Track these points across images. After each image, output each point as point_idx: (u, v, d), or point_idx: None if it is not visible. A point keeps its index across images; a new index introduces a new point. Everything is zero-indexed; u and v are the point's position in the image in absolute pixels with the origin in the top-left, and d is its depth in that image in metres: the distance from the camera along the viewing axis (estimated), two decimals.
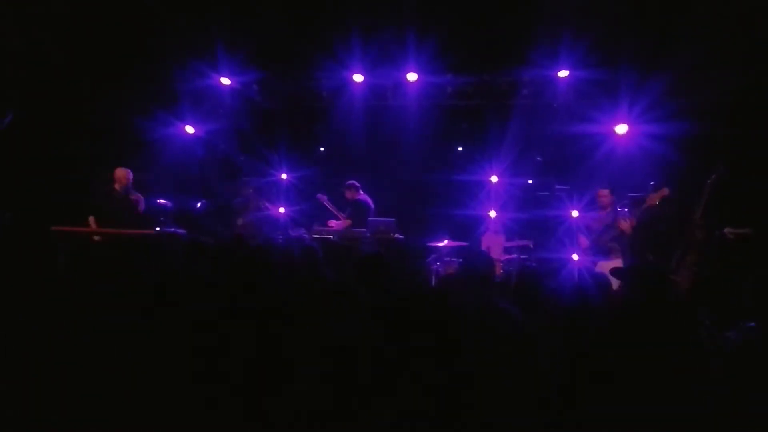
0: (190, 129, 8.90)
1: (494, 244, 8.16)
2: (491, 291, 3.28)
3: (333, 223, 7.97)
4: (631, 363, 2.45)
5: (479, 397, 2.32)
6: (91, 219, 6.68)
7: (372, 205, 8.05)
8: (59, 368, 2.48)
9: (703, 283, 5.64)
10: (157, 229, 7.09)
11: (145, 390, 2.49)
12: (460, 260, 7.70)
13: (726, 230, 5.82)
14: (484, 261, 3.57)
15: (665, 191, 6.29)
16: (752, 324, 2.62)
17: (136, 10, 6.67)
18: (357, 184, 8.08)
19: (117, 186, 6.91)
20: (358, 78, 8.51)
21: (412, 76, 8.36)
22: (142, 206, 7.07)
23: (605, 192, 6.73)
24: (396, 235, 7.50)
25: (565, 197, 7.61)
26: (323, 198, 8.23)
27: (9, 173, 6.81)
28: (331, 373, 2.48)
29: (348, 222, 7.87)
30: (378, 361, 2.46)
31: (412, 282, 7.06)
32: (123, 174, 6.92)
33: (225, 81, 8.72)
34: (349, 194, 8.06)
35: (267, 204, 8.47)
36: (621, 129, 7.62)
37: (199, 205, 8.75)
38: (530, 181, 9.28)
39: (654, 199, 6.33)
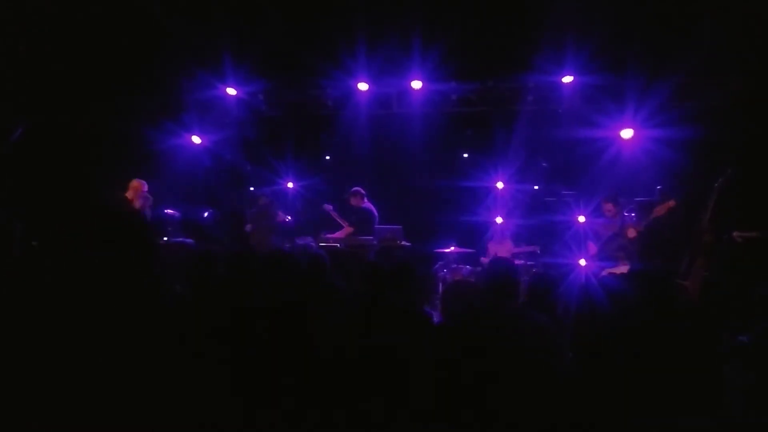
0: (196, 139, 8.95)
1: (501, 250, 8.15)
2: (516, 298, 3.29)
3: (331, 235, 7.93)
4: (644, 368, 2.44)
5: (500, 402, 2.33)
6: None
7: (376, 214, 8.04)
8: (66, 372, 2.50)
9: (712, 287, 5.61)
10: (165, 239, 7.15)
11: (149, 394, 2.51)
12: (468, 266, 7.71)
13: (734, 234, 5.79)
14: (508, 268, 3.55)
15: (671, 203, 6.27)
16: (764, 326, 2.61)
17: (143, 21, 6.73)
18: (363, 192, 8.08)
19: (129, 195, 7.10)
20: (363, 86, 8.55)
21: (416, 84, 8.39)
22: (147, 212, 7.19)
23: (609, 206, 6.72)
24: (402, 243, 7.50)
25: (571, 202, 7.60)
26: (329, 208, 8.23)
27: (18, 184, 6.86)
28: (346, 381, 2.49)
29: (350, 230, 7.87)
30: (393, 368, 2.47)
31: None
32: (137, 185, 7.14)
33: (231, 91, 8.77)
34: (354, 201, 8.05)
35: (280, 212, 8.48)
36: (627, 133, 7.62)
37: (206, 214, 8.79)
38: (536, 187, 9.27)
39: (660, 211, 6.32)
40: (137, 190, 7.15)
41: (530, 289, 3.79)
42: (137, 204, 7.12)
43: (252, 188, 9.25)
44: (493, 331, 2.74)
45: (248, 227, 8.23)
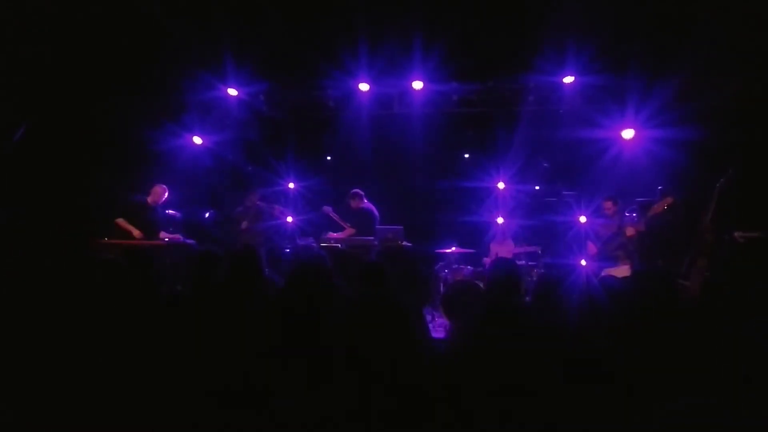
0: (198, 140, 8.96)
1: (502, 251, 8.15)
2: (518, 297, 3.30)
3: (333, 235, 7.93)
4: (645, 368, 2.44)
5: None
6: (122, 222, 7.00)
7: (377, 213, 8.03)
8: (67, 371, 2.51)
9: (713, 287, 5.61)
10: (167, 240, 7.16)
11: (149, 394, 2.52)
12: (469, 267, 7.71)
13: (736, 234, 5.79)
14: (511, 267, 3.55)
15: (669, 200, 6.27)
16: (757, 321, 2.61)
17: (143, 21, 6.75)
18: (361, 193, 8.07)
19: (150, 199, 7.33)
20: (364, 87, 8.55)
21: (417, 85, 8.39)
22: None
23: (609, 204, 6.72)
24: (404, 243, 7.50)
25: (572, 203, 7.59)
26: (329, 210, 8.22)
27: (19, 184, 6.89)
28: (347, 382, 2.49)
29: (351, 230, 7.86)
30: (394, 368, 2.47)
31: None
32: (159, 190, 7.36)
33: (232, 92, 8.78)
34: (353, 203, 8.04)
35: (280, 210, 8.45)
36: (628, 134, 7.62)
37: (207, 215, 8.79)
38: (537, 187, 9.27)
39: (659, 207, 6.32)
40: (158, 195, 7.30)
41: (535, 290, 3.79)
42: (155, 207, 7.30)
43: (249, 189, 9.25)
44: (499, 329, 2.74)
45: (243, 224, 8.17)
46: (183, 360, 2.64)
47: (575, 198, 7.63)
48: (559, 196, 8.09)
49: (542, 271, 7.30)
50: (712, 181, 6.09)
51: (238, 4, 6.84)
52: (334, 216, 8.19)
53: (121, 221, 6.99)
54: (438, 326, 6.75)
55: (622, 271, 6.18)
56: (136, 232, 6.93)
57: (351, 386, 2.55)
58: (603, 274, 6.18)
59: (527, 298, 4.25)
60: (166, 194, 7.40)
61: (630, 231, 6.37)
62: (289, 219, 8.56)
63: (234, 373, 2.67)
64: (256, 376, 2.66)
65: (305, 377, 2.61)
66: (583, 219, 7.17)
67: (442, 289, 7.28)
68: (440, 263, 7.95)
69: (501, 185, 9.10)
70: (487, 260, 8.17)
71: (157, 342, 2.68)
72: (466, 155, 10.30)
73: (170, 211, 7.66)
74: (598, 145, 7.74)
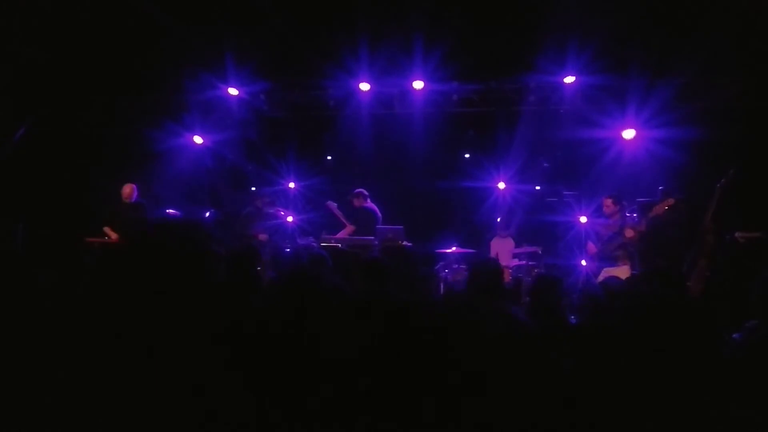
0: (198, 139, 8.96)
1: (503, 250, 8.14)
2: (499, 297, 3.29)
3: (340, 234, 7.94)
4: (645, 368, 2.44)
5: (480, 402, 2.32)
6: (107, 229, 7.15)
7: (379, 214, 8.04)
8: (66, 373, 2.50)
9: (714, 287, 5.60)
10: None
11: (149, 395, 2.51)
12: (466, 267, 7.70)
13: (737, 234, 5.78)
14: (492, 267, 3.55)
15: (671, 201, 6.26)
16: (753, 322, 2.61)
17: (145, 23, 6.75)
18: (365, 193, 8.08)
19: (124, 199, 7.41)
20: (364, 87, 8.54)
21: (418, 84, 8.39)
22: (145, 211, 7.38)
23: (608, 201, 6.71)
24: (404, 243, 7.49)
25: (573, 203, 7.58)
26: (333, 206, 8.23)
27: (20, 185, 6.89)
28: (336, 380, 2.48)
29: (352, 229, 7.86)
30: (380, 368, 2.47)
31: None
32: (126, 189, 7.42)
33: (233, 91, 8.78)
34: (356, 202, 8.05)
35: (281, 211, 8.44)
36: (629, 134, 7.60)
37: (207, 214, 8.79)
38: (538, 187, 9.25)
39: (659, 210, 6.30)
40: (125, 194, 7.36)
41: (533, 289, 3.78)
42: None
43: (253, 188, 9.25)
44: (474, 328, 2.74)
45: (262, 236, 8.07)
46: (181, 360, 2.64)
47: (576, 198, 7.62)
48: (559, 196, 8.07)
49: (541, 270, 7.30)
50: (712, 182, 6.08)
51: (238, 4, 6.84)
52: (337, 212, 8.20)
53: (106, 229, 7.10)
54: None
55: (622, 271, 6.16)
56: (113, 236, 7.02)
57: (350, 384, 2.55)
58: (603, 274, 6.18)
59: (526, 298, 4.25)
60: (135, 192, 7.47)
61: (629, 233, 6.36)
62: (290, 219, 8.55)
63: (232, 374, 2.67)
64: (255, 376, 2.66)
65: (304, 377, 2.61)
66: (583, 219, 7.17)
67: (442, 289, 7.27)
68: (440, 263, 7.94)
69: (501, 185, 9.08)
70: None
71: (156, 342, 2.68)
72: (467, 155, 10.27)
73: (170, 211, 7.66)
74: (599, 145, 7.73)
